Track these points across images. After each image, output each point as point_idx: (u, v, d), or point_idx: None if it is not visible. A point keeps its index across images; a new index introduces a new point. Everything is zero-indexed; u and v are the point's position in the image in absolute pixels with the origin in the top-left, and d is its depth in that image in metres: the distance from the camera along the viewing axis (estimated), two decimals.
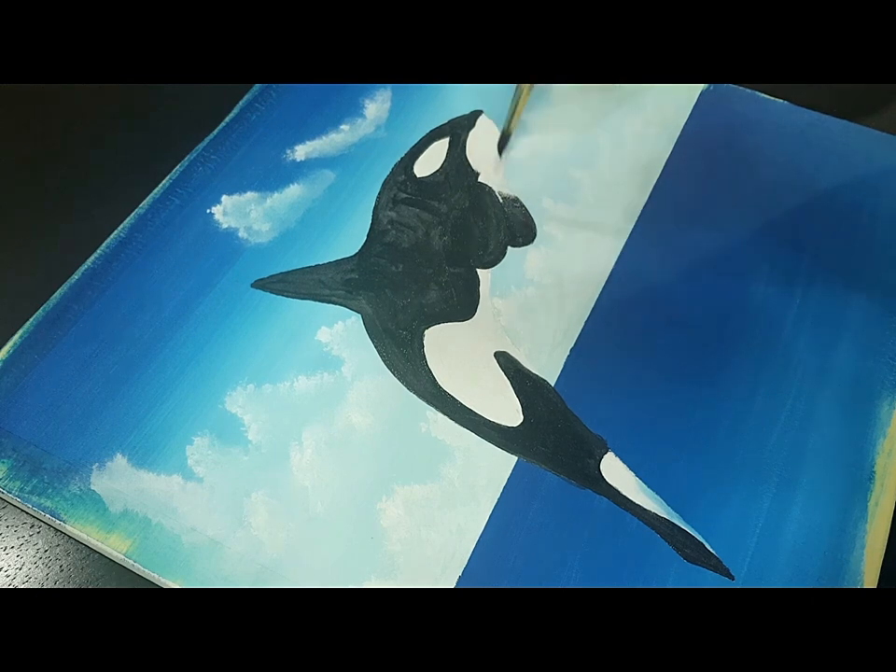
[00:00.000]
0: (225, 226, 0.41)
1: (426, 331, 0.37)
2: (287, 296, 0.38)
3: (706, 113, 0.45)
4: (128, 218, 0.40)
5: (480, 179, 0.43)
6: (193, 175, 0.42)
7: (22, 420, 0.34)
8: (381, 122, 0.45)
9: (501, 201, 0.42)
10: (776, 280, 0.39)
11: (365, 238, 0.40)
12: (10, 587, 0.32)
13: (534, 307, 0.38)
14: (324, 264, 0.39)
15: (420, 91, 0.46)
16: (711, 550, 0.32)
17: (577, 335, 0.37)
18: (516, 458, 0.34)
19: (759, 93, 0.46)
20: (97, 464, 0.33)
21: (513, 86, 0.45)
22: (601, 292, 0.39)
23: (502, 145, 0.43)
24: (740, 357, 0.37)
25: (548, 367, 0.36)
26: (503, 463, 0.34)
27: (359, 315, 0.38)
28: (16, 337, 0.37)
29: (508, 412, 0.35)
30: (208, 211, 0.41)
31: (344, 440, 0.34)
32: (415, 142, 0.44)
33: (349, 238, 0.40)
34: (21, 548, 0.33)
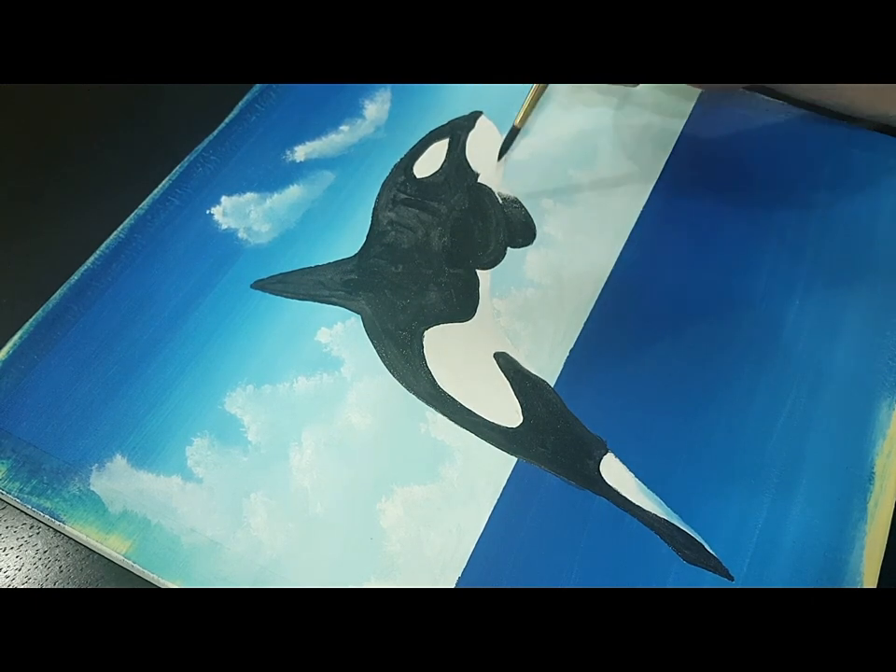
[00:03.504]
0: (225, 226, 0.41)
1: (425, 332, 0.37)
2: (287, 296, 0.38)
3: (705, 114, 0.45)
4: (128, 219, 0.40)
5: (480, 180, 0.43)
6: (193, 175, 0.42)
7: (22, 421, 0.34)
8: (381, 123, 0.45)
9: (501, 201, 0.42)
10: (775, 281, 0.39)
11: (364, 239, 0.40)
12: (10, 588, 0.32)
13: (533, 308, 0.38)
14: (323, 265, 0.39)
15: (420, 92, 0.46)
16: (711, 551, 0.32)
17: (576, 336, 0.37)
18: (516, 459, 0.34)
19: (758, 94, 0.46)
20: (96, 465, 0.33)
21: (517, 93, 0.46)
22: (601, 293, 0.39)
23: (510, 140, 0.42)
24: (740, 358, 0.37)
25: (547, 367, 0.36)
26: (503, 464, 0.34)
27: (359, 316, 0.38)
28: (16, 337, 0.36)
29: (507, 412, 0.35)
30: (208, 212, 0.41)
31: (344, 440, 0.34)
32: (415, 142, 0.44)
33: (349, 239, 0.40)
34: (21, 549, 0.33)
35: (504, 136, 0.42)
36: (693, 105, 0.46)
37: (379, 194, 0.42)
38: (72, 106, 0.46)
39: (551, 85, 0.46)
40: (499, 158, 0.42)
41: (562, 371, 0.36)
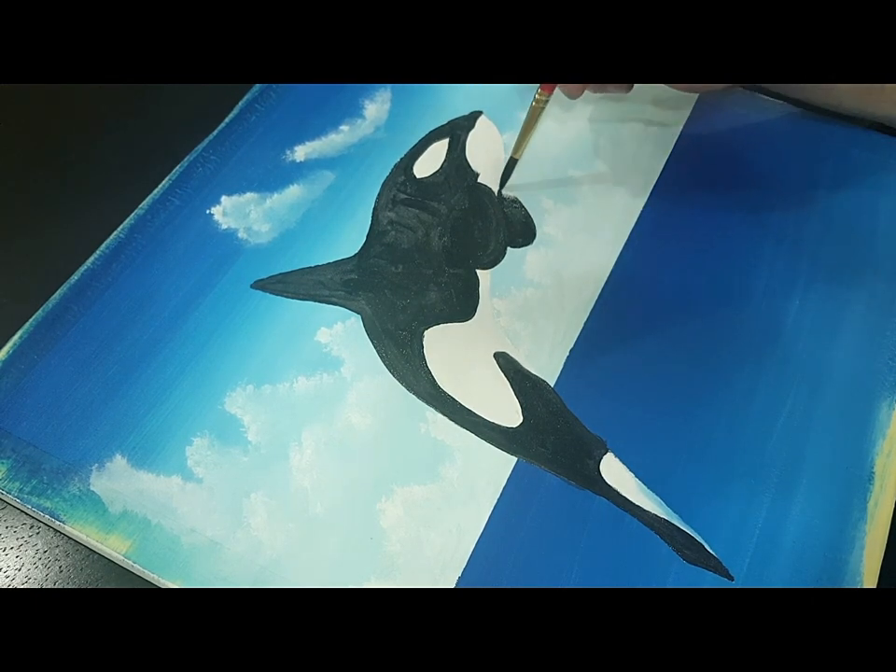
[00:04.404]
0: (224, 226, 0.41)
1: (425, 332, 0.37)
2: (287, 296, 0.38)
3: (704, 114, 0.45)
4: (128, 219, 0.40)
5: (480, 180, 0.43)
6: (193, 175, 0.42)
7: (22, 420, 0.34)
8: (380, 123, 0.45)
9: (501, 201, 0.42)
10: (775, 281, 0.39)
11: (364, 239, 0.40)
12: (10, 588, 0.32)
13: (533, 308, 0.38)
14: (323, 265, 0.39)
15: (420, 91, 0.46)
16: (711, 551, 0.32)
17: (576, 335, 0.37)
18: (516, 459, 0.34)
19: (758, 94, 0.46)
20: (97, 464, 0.33)
21: (517, 93, 0.46)
22: (601, 292, 0.39)
23: (509, 170, 0.42)
24: (740, 358, 0.37)
25: (547, 367, 0.36)
26: (503, 464, 0.34)
27: (359, 316, 0.38)
28: (16, 337, 0.36)
29: (507, 412, 0.35)
30: (208, 211, 0.41)
31: (344, 440, 0.34)
32: (415, 142, 0.44)
33: (349, 239, 0.40)
34: (21, 549, 0.33)
35: (503, 168, 0.42)
36: (692, 105, 0.46)
37: (379, 194, 0.42)
38: (72, 106, 0.46)
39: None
40: (500, 189, 0.42)
41: (562, 371, 0.36)
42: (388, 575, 0.31)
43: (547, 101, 0.39)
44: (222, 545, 0.32)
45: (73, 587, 0.32)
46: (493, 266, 0.40)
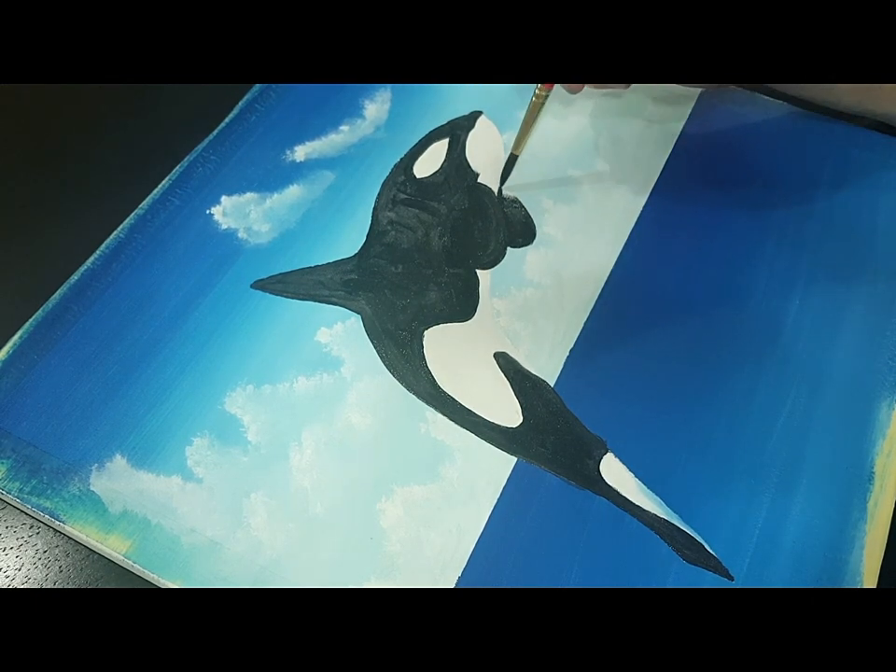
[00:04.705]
0: (224, 226, 0.41)
1: (425, 332, 0.37)
2: (287, 296, 0.38)
3: (705, 113, 0.45)
4: (128, 219, 0.40)
5: (480, 180, 0.43)
6: (193, 175, 0.42)
7: (22, 420, 0.34)
8: (380, 123, 0.45)
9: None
10: (775, 281, 0.39)
11: (364, 239, 0.40)
12: (10, 588, 0.32)
13: (533, 308, 0.38)
14: (323, 265, 0.39)
15: (420, 91, 0.46)
16: (711, 551, 0.32)
17: (576, 335, 0.37)
18: (516, 459, 0.34)
19: (758, 94, 0.46)
20: (96, 464, 0.33)
21: (517, 93, 0.46)
22: (601, 292, 0.39)
23: (509, 166, 0.42)
24: (740, 358, 0.37)
25: (547, 367, 0.36)
26: (502, 464, 0.34)
27: (359, 316, 0.38)
28: (16, 337, 0.36)
29: (507, 412, 0.35)
30: (208, 211, 0.41)
31: (344, 440, 0.34)
32: (415, 142, 0.44)
33: (348, 239, 0.40)
34: (21, 549, 0.33)
35: (503, 164, 0.42)
36: (692, 104, 0.46)
37: (379, 194, 0.42)
38: (72, 106, 0.46)
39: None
40: (500, 185, 0.42)
41: (562, 371, 0.36)
42: (388, 575, 0.31)
43: (547, 96, 0.39)
44: (222, 545, 0.32)
45: (73, 587, 0.32)
46: (493, 266, 0.40)
